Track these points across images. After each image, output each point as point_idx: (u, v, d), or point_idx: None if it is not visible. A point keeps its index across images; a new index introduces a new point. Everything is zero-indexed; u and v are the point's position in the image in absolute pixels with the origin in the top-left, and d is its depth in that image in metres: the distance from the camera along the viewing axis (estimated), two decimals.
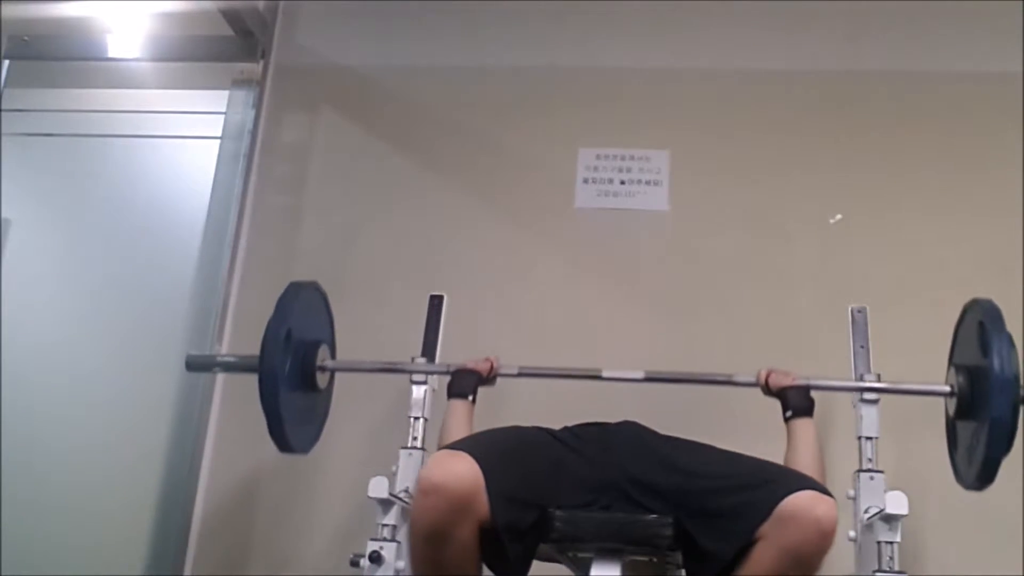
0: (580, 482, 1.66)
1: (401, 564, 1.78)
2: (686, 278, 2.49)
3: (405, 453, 1.93)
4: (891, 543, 1.71)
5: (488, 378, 1.97)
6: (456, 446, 1.60)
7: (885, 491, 1.76)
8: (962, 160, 2.47)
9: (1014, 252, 2.33)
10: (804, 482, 1.56)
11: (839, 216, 2.48)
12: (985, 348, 1.63)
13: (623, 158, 2.60)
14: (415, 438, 1.96)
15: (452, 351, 2.11)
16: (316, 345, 1.92)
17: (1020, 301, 2.21)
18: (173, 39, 2.86)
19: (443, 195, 2.64)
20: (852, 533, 1.84)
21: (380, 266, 2.59)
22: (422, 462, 1.91)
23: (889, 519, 1.71)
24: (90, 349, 2.63)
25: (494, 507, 1.52)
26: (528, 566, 1.65)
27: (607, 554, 1.61)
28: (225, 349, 2.55)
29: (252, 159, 2.70)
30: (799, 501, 1.50)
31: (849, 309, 2.00)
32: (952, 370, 1.80)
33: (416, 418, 1.98)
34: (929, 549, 2.14)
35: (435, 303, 2.14)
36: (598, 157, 2.61)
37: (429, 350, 2.08)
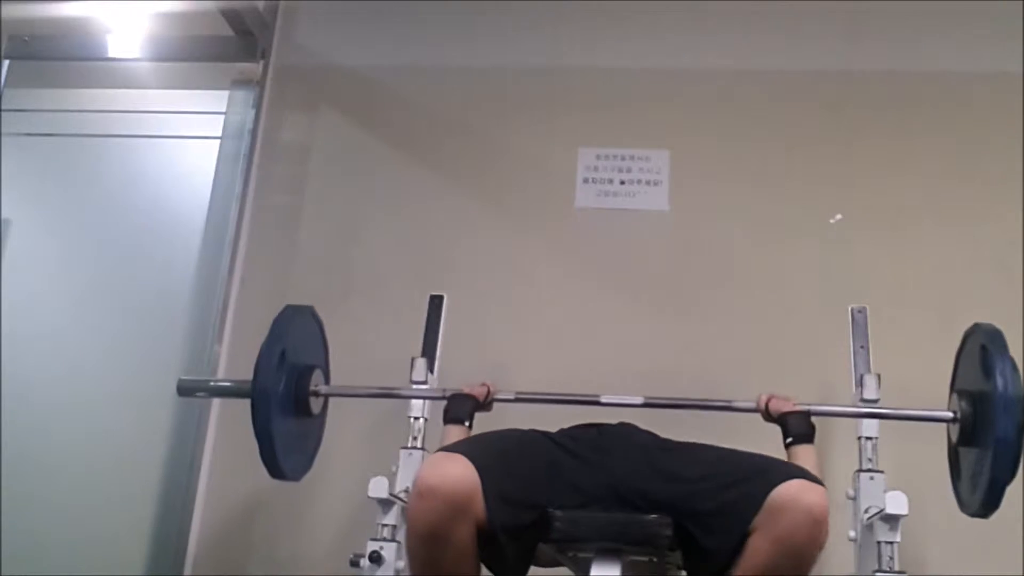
0: (575, 485, 1.66)
1: (401, 564, 1.78)
2: (686, 278, 2.49)
3: (405, 453, 1.93)
4: (891, 543, 1.72)
5: (484, 403, 1.95)
6: (452, 448, 1.61)
7: (885, 491, 1.76)
8: (962, 160, 2.47)
9: (1014, 252, 2.33)
10: (794, 471, 1.56)
11: (839, 216, 2.48)
12: (988, 371, 1.61)
13: (623, 158, 2.60)
14: (415, 438, 1.96)
15: (452, 351, 2.11)
16: (310, 370, 1.89)
17: (1020, 301, 2.22)
18: (173, 39, 2.86)
19: (443, 195, 2.64)
20: (852, 533, 1.84)
21: (380, 266, 2.59)
22: (422, 462, 1.91)
23: (889, 519, 1.71)
24: (90, 349, 2.63)
25: (490, 508, 1.52)
26: (527, 567, 1.65)
27: (607, 554, 1.61)
28: (224, 350, 2.55)
29: (252, 159, 2.70)
30: (789, 490, 1.50)
31: (849, 309, 2.00)
32: (954, 396, 1.77)
33: (416, 418, 1.98)
34: (929, 549, 2.14)
35: (435, 303, 2.14)
36: (598, 157, 2.61)
37: (429, 350, 2.08)
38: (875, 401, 1.88)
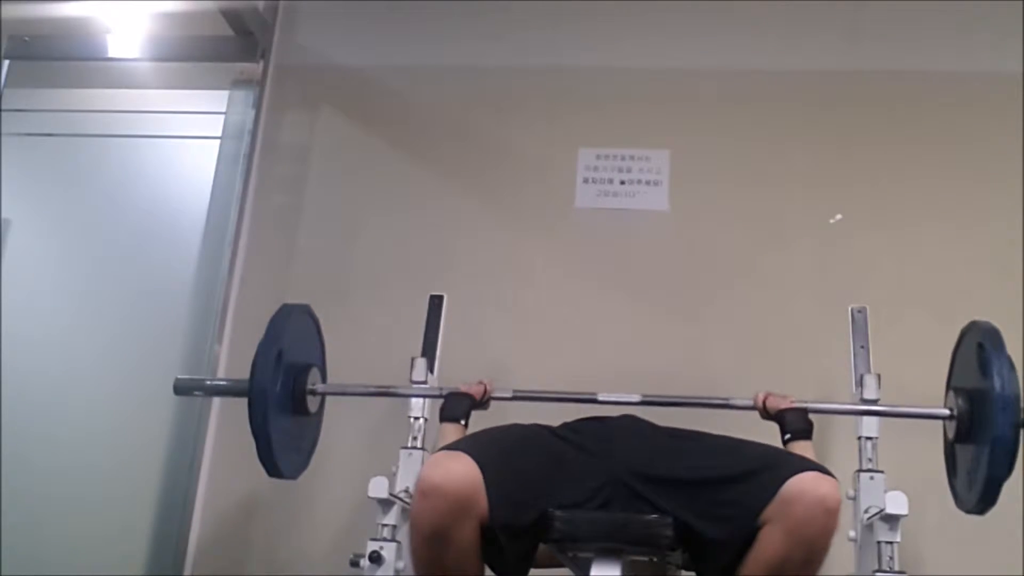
0: (581, 478, 1.66)
1: (401, 564, 1.78)
2: (686, 278, 2.49)
3: (405, 453, 1.93)
4: (891, 543, 1.71)
5: (481, 401, 1.96)
6: (455, 446, 1.61)
7: (885, 491, 1.76)
8: (962, 160, 2.47)
9: (1014, 252, 2.33)
10: (806, 464, 1.57)
11: (839, 216, 2.48)
12: (985, 369, 1.62)
13: (623, 158, 2.60)
14: (415, 438, 1.96)
15: (452, 351, 2.11)
16: (307, 368, 1.91)
17: (1020, 301, 2.22)
18: (173, 39, 2.86)
19: (443, 195, 2.64)
20: (852, 533, 1.84)
21: (380, 266, 2.59)
22: (422, 462, 1.91)
23: (889, 519, 1.71)
24: (90, 349, 2.63)
25: (493, 507, 1.52)
26: (529, 566, 1.66)
27: (607, 554, 1.61)
28: (224, 350, 2.55)
29: (252, 159, 2.70)
30: (803, 481, 1.51)
31: (849, 309, 2.00)
32: (951, 393, 1.78)
33: (416, 418, 1.98)
34: (929, 549, 2.14)
35: (435, 303, 2.14)
36: (598, 157, 2.61)
37: (429, 350, 2.08)
38: (875, 401, 1.88)
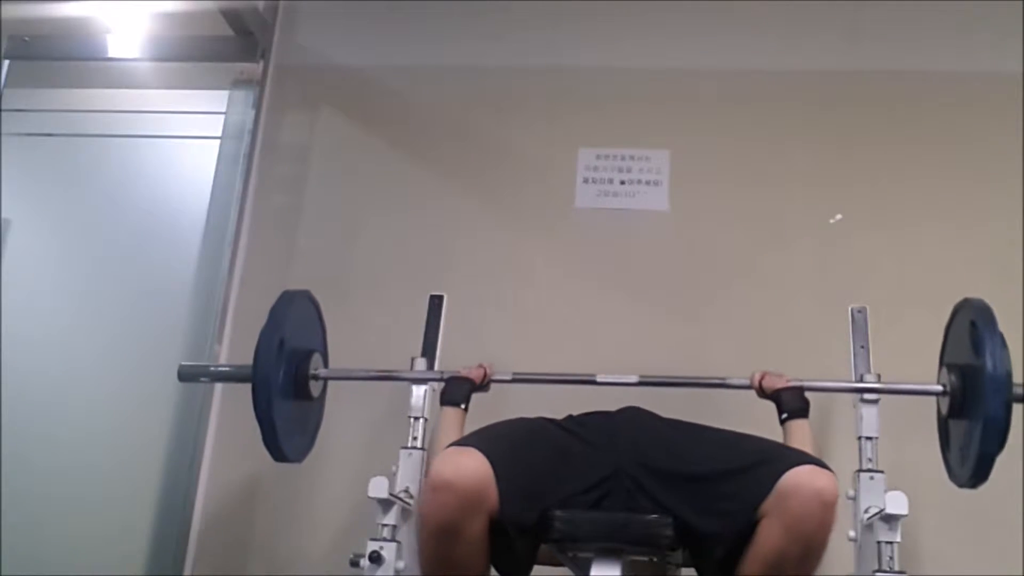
0: (586, 470, 1.67)
1: (401, 564, 1.78)
2: (686, 278, 2.49)
3: (405, 453, 1.93)
4: (891, 543, 1.71)
5: (482, 385, 1.98)
6: (464, 442, 1.61)
7: (885, 491, 1.76)
8: (962, 160, 2.47)
9: (1014, 252, 2.33)
10: (804, 457, 1.58)
11: (839, 216, 2.48)
12: (977, 348, 1.64)
13: (623, 158, 2.60)
14: (415, 438, 1.96)
15: (452, 351, 2.11)
16: (309, 354, 1.93)
17: (1020, 301, 2.22)
18: (173, 39, 2.86)
19: (443, 195, 2.64)
20: (852, 533, 1.84)
21: (380, 266, 2.59)
22: (422, 462, 1.91)
23: (889, 519, 1.71)
24: (90, 349, 2.63)
25: (504, 501, 1.53)
26: (533, 563, 1.66)
27: (607, 554, 1.61)
28: (225, 349, 2.55)
29: (252, 159, 2.70)
30: (800, 475, 1.51)
31: (849, 309, 2.00)
32: (944, 369, 1.81)
33: (416, 418, 1.98)
34: (929, 549, 2.14)
35: (435, 303, 2.14)
36: (598, 157, 2.61)
37: (429, 350, 2.08)
38: (875, 401, 1.88)
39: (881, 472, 1.82)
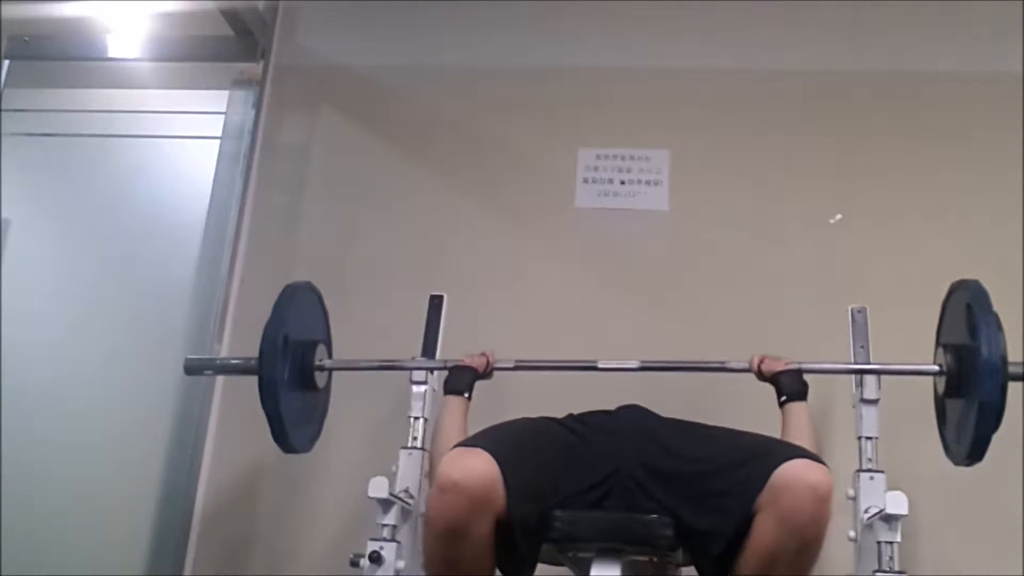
0: (588, 469, 1.68)
1: (401, 564, 1.78)
2: (686, 278, 2.49)
3: (405, 453, 1.93)
4: (891, 543, 1.71)
5: (485, 373, 1.99)
6: (470, 443, 1.62)
7: (885, 491, 1.76)
8: (962, 160, 2.47)
9: (1014, 252, 2.33)
10: (797, 451, 1.59)
11: (839, 216, 2.48)
12: (973, 331, 1.66)
13: (623, 158, 2.60)
14: (415, 438, 1.96)
15: (452, 351, 2.10)
16: (313, 345, 1.95)
17: (1020, 301, 2.22)
18: (173, 39, 2.86)
19: (443, 195, 2.64)
20: (852, 533, 1.84)
21: (380, 266, 2.59)
22: (422, 462, 1.92)
23: (889, 519, 1.71)
24: (90, 349, 2.63)
25: (511, 501, 1.53)
26: (535, 564, 1.66)
27: (607, 554, 1.62)
28: (225, 350, 2.55)
29: (252, 159, 2.70)
30: (793, 469, 1.52)
31: (849, 309, 2.00)
32: (940, 349, 1.83)
33: (416, 418, 1.98)
34: (929, 549, 2.14)
35: (435, 303, 2.14)
36: (598, 157, 2.61)
37: (429, 350, 2.08)
38: (875, 401, 1.88)
39: (881, 472, 1.82)
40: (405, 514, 1.82)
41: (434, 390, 2.01)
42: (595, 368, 1.98)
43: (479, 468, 1.52)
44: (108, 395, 2.58)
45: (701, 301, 2.46)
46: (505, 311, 2.50)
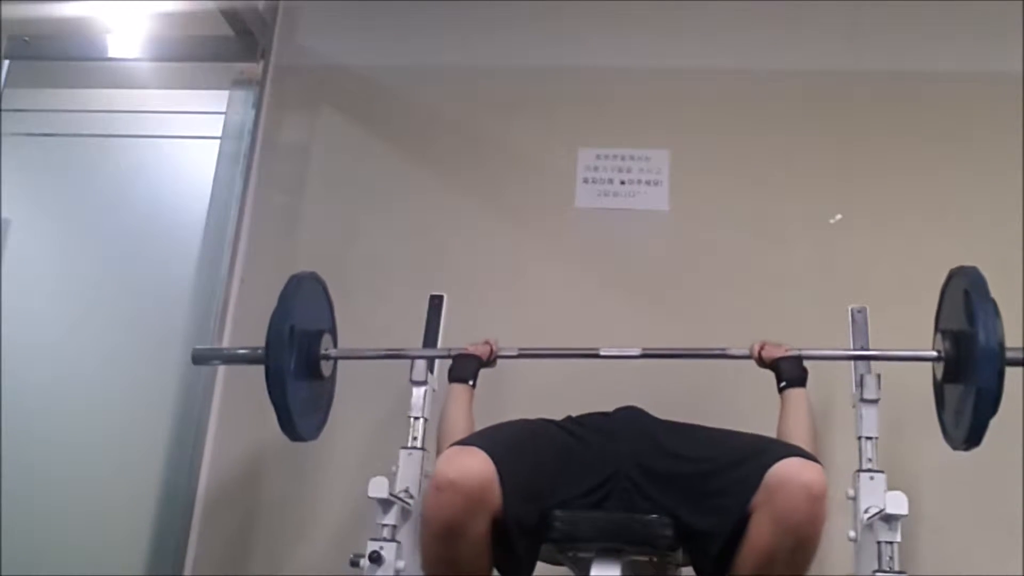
0: (586, 470, 1.68)
1: (401, 564, 1.78)
2: (686, 278, 2.50)
3: (405, 453, 1.93)
4: (891, 543, 1.71)
5: (488, 361, 1.99)
6: (466, 442, 1.61)
7: (885, 491, 1.76)
8: (962, 160, 2.47)
9: (1014, 252, 2.33)
10: (791, 450, 1.59)
11: (839, 216, 2.48)
12: (971, 317, 1.67)
13: (623, 158, 2.60)
14: (415, 438, 1.96)
15: None
16: (319, 335, 1.96)
17: (1020, 301, 2.22)
18: (173, 39, 2.87)
19: (443, 195, 2.64)
20: (852, 533, 1.84)
21: (380, 266, 2.59)
22: (422, 462, 1.92)
23: (889, 519, 1.71)
24: (90, 349, 2.63)
25: (507, 501, 1.53)
26: (534, 564, 1.66)
27: (607, 554, 1.62)
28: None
29: (252, 159, 2.70)
30: (786, 468, 1.52)
31: (849, 309, 2.00)
32: (938, 335, 1.84)
33: (416, 418, 1.98)
34: (929, 549, 2.14)
35: (435, 303, 2.14)
36: (598, 157, 2.61)
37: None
38: (875, 401, 1.88)
39: (881, 472, 1.82)
40: (405, 514, 1.82)
41: (434, 390, 2.02)
42: (597, 355, 1.98)
43: (475, 467, 1.52)
44: (108, 395, 2.58)
45: (701, 301, 2.46)
46: (505, 311, 2.50)
